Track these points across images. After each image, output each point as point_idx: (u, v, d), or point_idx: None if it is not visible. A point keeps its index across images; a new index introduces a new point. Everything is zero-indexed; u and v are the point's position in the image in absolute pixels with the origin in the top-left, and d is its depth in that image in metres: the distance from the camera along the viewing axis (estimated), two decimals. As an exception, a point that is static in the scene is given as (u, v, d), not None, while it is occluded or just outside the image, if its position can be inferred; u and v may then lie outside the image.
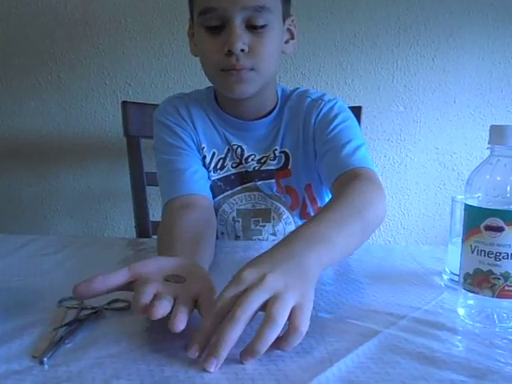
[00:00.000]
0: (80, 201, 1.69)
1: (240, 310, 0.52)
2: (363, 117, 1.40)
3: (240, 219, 1.09)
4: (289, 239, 0.64)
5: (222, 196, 1.08)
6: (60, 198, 1.69)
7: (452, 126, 1.65)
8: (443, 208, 1.69)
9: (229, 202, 1.08)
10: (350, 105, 1.66)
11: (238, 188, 1.08)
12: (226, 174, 1.07)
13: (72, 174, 1.68)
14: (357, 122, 1.04)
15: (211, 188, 1.05)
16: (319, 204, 1.10)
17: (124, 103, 1.32)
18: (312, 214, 1.09)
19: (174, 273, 0.63)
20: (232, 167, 1.07)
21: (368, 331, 0.61)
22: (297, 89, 1.08)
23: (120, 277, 0.61)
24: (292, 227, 1.08)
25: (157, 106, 1.39)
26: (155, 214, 1.51)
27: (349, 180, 0.86)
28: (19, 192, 1.69)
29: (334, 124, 0.99)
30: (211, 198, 1.02)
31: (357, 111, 1.34)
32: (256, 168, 1.06)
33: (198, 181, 1.00)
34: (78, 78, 1.62)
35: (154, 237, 1.35)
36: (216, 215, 1.06)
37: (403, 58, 1.62)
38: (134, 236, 1.35)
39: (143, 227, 1.33)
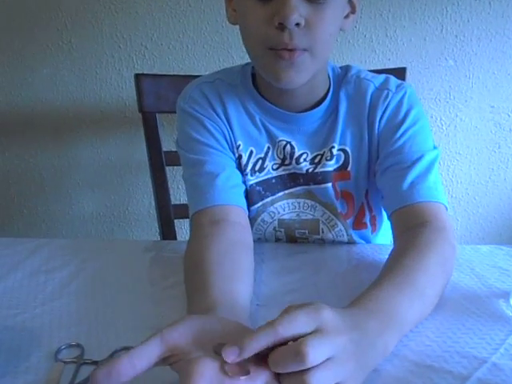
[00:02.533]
0: (101, 174, 1.59)
1: None
2: (407, 74, 1.23)
3: (282, 229, 0.93)
4: (361, 314, 0.55)
5: (260, 204, 0.91)
6: (80, 172, 1.60)
7: (510, 82, 1.45)
8: (497, 174, 1.52)
9: (269, 211, 0.92)
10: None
11: (281, 194, 0.91)
12: (266, 178, 0.90)
13: (90, 146, 1.57)
14: (426, 117, 0.87)
15: (248, 194, 0.90)
16: (374, 212, 0.94)
17: (137, 76, 1.19)
18: (368, 224, 0.95)
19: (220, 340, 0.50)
20: (273, 169, 0.89)
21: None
22: (348, 67, 0.90)
23: (151, 352, 0.48)
24: (344, 239, 0.93)
25: (174, 77, 1.26)
26: (177, 196, 1.40)
27: (414, 227, 0.74)
28: (38, 167, 1.60)
29: (402, 129, 0.83)
30: (246, 210, 0.86)
31: (400, 74, 1.17)
32: (310, 170, 0.89)
33: (231, 189, 0.84)
34: (91, 42, 1.48)
35: (177, 221, 1.24)
36: (252, 226, 0.92)
37: (454, 3, 1.41)
38: (153, 218, 1.25)
39: (164, 211, 1.23)
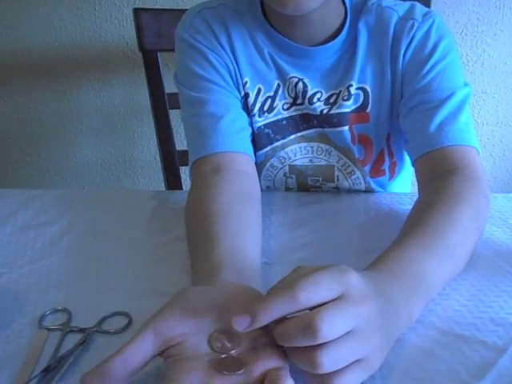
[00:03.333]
0: (104, 119, 1.51)
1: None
2: (431, 5, 1.11)
3: (293, 176, 0.85)
4: (385, 278, 0.48)
5: (269, 148, 0.83)
6: (82, 117, 1.52)
7: (544, 12, 1.33)
8: (527, 114, 1.42)
9: (279, 156, 0.83)
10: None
11: (292, 137, 0.82)
12: (275, 119, 0.80)
13: (92, 89, 1.48)
14: (457, 49, 0.76)
15: (255, 137, 0.81)
16: (395, 158, 0.85)
17: (136, 11, 1.08)
18: (387, 171, 0.86)
19: (222, 321, 0.44)
20: (283, 109, 0.80)
21: None
22: None
23: (145, 350, 0.42)
24: (361, 188, 0.85)
25: (177, 11, 1.15)
26: (183, 141, 1.31)
27: (442, 175, 0.66)
28: (38, 112, 1.52)
29: (430, 64, 0.73)
30: (253, 157, 0.78)
31: (424, 5, 1.06)
32: (324, 111, 0.79)
33: (237, 133, 0.75)
34: (86, -25, 1.36)
35: (182, 168, 1.17)
36: (260, 172, 0.84)
37: None
38: (160, 165, 1.17)
39: (169, 158, 1.15)
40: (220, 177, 0.69)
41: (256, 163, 0.81)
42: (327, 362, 0.39)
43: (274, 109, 0.80)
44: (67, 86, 1.48)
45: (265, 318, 0.40)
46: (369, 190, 0.85)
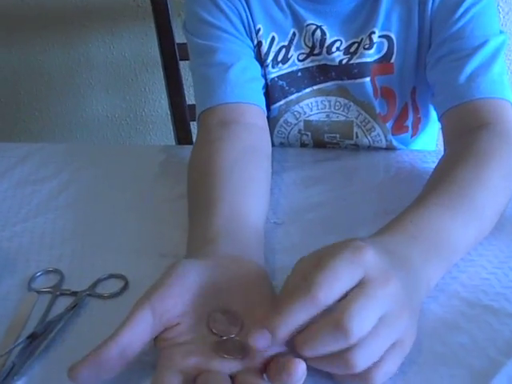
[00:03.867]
0: (114, 72, 1.45)
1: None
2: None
3: (309, 133, 0.79)
4: (401, 241, 0.44)
5: (283, 102, 0.76)
6: (93, 71, 1.46)
7: None
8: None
9: (294, 111, 0.77)
10: None
11: (308, 90, 0.76)
12: (290, 70, 0.74)
13: (102, 41, 1.42)
14: None
15: (268, 90, 0.75)
16: (420, 113, 0.78)
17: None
18: (410, 127, 0.79)
19: (221, 301, 0.40)
20: (299, 60, 0.74)
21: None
22: None
23: (141, 333, 0.37)
24: (382, 145, 0.78)
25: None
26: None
27: (471, 130, 0.60)
28: (47, 65, 1.46)
29: (462, 8, 0.65)
30: (265, 109, 0.71)
31: None
32: (344, 61, 0.73)
33: (247, 83, 0.69)
34: None
35: (193, 123, 1.11)
36: (273, 128, 0.78)
37: None
38: (170, 121, 1.12)
39: (179, 112, 1.10)
40: (227, 130, 0.64)
41: (268, 119, 0.75)
42: (362, 360, 0.35)
43: (288, 59, 0.74)
44: (76, 38, 1.42)
45: (285, 331, 0.36)
46: (390, 148, 0.79)
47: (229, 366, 0.36)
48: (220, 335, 0.38)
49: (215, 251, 0.45)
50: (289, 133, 0.80)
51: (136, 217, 0.61)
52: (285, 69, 0.75)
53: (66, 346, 0.43)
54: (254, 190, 0.56)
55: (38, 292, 0.49)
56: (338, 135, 0.79)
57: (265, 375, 0.36)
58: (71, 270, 0.52)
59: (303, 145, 0.81)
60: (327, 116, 0.77)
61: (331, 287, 0.35)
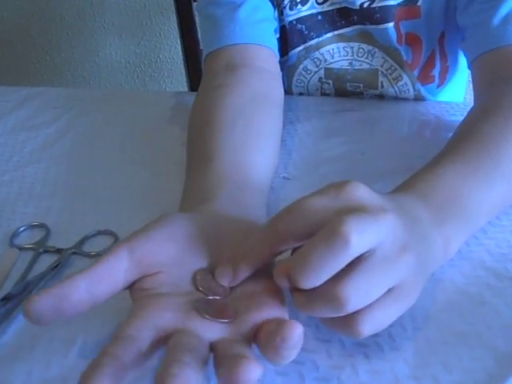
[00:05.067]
0: (128, 16, 1.39)
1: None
2: None
3: (330, 81, 0.72)
4: (410, 200, 0.38)
5: (302, 47, 0.70)
6: (105, 13, 1.40)
7: None
8: None
9: (313, 58, 0.71)
10: None
11: (329, 36, 0.69)
12: (309, 13, 0.67)
13: (115, -19, 1.35)
14: None
15: (286, 34, 0.69)
16: (449, 62, 0.71)
17: None
18: (437, 76, 0.72)
19: (212, 258, 0.35)
20: (318, 3, 0.67)
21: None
22: None
23: (115, 272, 0.32)
24: (409, 95, 0.71)
25: None
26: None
27: (504, 80, 0.53)
28: (58, 9, 1.41)
29: None
30: (277, 52, 0.65)
31: None
32: (365, 4, 0.65)
33: (258, 23, 0.63)
34: None
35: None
36: (291, 76, 0.72)
37: None
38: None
39: (192, 59, 1.05)
40: (234, 75, 0.58)
41: (287, 66, 0.70)
42: (368, 327, 0.31)
43: (307, 1, 0.67)
44: (88, -22, 1.36)
45: (247, 266, 0.33)
46: (417, 99, 0.72)
47: (210, 329, 0.31)
48: (205, 294, 0.33)
49: (210, 210, 0.40)
50: (308, 81, 0.74)
51: (135, 168, 0.57)
52: (304, 11, 0.68)
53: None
54: (260, 142, 0.51)
55: (20, 248, 0.45)
56: (361, 84, 0.72)
57: (255, 346, 0.31)
58: (58, 225, 0.48)
59: (324, 94, 0.75)
60: (350, 64, 0.71)
61: (295, 219, 0.32)
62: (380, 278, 0.31)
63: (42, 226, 0.47)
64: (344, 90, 0.73)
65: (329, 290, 0.30)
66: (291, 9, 0.67)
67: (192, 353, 0.28)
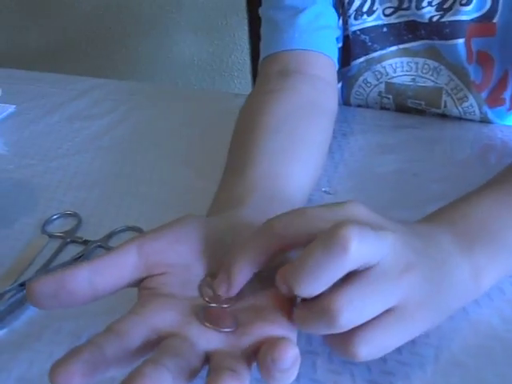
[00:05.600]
0: (204, 14, 1.40)
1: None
2: None
3: (390, 96, 0.69)
4: (437, 228, 0.35)
5: (364, 59, 0.67)
6: (182, 10, 1.42)
7: None
8: None
9: (375, 70, 0.68)
10: None
11: (393, 49, 0.66)
12: (374, 24, 0.65)
13: (194, -20, 1.36)
14: None
15: (349, 44, 0.66)
16: None
17: None
18: (508, 99, 0.66)
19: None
20: (385, 14, 0.64)
21: None
22: None
23: (121, 267, 0.31)
24: (475, 118, 0.67)
25: None
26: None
27: None
28: (137, 4, 1.43)
29: None
30: (335, 61, 0.62)
31: None
32: (435, 18, 0.62)
33: (319, 30, 0.60)
34: None
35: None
36: (351, 88, 0.70)
37: None
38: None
39: (256, 62, 1.02)
40: (286, 81, 0.56)
41: (347, 76, 0.68)
42: (365, 348, 0.28)
43: (373, 12, 0.64)
44: (169, -25, 1.38)
45: (239, 271, 0.31)
46: (484, 122, 0.68)
47: (208, 337, 0.29)
48: (209, 302, 0.31)
49: (234, 217, 0.39)
50: (368, 94, 0.71)
51: (178, 167, 0.56)
52: (369, 22, 0.65)
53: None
54: (302, 153, 0.48)
55: (50, 235, 0.45)
56: (423, 102, 0.68)
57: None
58: (91, 217, 0.48)
59: (383, 109, 0.72)
60: (413, 80, 0.67)
61: (292, 221, 0.31)
62: (377, 295, 0.28)
63: (74, 215, 0.48)
64: (404, 106, 0.69)
65: (322, 302, 0.28)
66: (356, 18, 0.65)
67: (178, 358, 0.26)
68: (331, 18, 0.63)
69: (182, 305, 0.31)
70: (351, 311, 0.27)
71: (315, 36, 0.60)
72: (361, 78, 0.69)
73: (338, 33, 0.65)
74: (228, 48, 1.43)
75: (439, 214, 0.37)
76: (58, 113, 0.68)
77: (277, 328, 0.30)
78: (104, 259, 0.31)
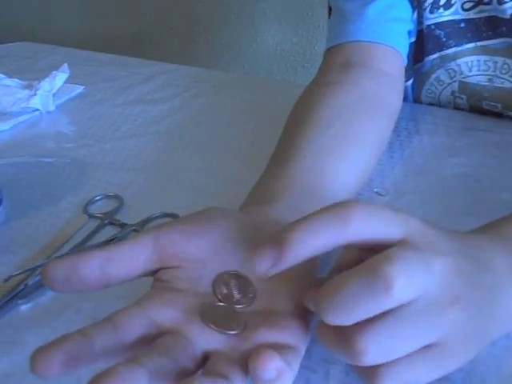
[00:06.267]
0: (291, 4, 1.38)
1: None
2: None
3: (464, 96, 0.65)
4: (487, 243, 0.31)
5: (437, 55, 0.63)
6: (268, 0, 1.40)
7: None
8: None
9: (448, 68, 0.64)
10: None
11: (470, 46, 0.61)
12: (451, 18, 0.61)
13: (282, -32, 1.35)
14: None
15: (422, 39, 0.63)
16: None
17: None
18: None
19: (245, 262, 0.32)
20: (463, 9, 0.60)
21: None
22: None
23: (135, 257, 0.31)
24: None
25: None
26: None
27: None
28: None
29: None
30: (404, 55, 0.59)
31: None
32: None
33: (388, 22, 0.57)
34: None
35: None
36: (422, 85, 0.66)
37: None
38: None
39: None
40: (346, 74, 0.54)
41: (419, 73, 0.64)
42: (390, 382, 0.26)
43: (451, 6, 0.60)
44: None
45: (295, 254, 0.27)
46: None
47: (207, 338, 0.28)
48: (221, 301, 0.30)
49: (266, 213, 0.37)
50: (440, 93, 0.66)
51: (230, 159, 0.55)
52: (446, 16, 0.61)
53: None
54: (351, 150, 0.46)
55: (90, 216, 0.46)
56: (499, 105, 0.63)
57: None
58: (134, 200, 0.48)
59: (457, 109, 0.67)
60: (489, 80, 0.62)
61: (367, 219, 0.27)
62: (412, 334, 0.25)
63: (117, 197, 0.48)
64: (479, 108, 0.64)
65: (348, 335, 0.25)
66: (431, 12, 0.61)
67: (164, 358, 0.25)
68: (404, 11, 0.60)
69: (189, 301, 0.29)
70: (378, 351, 0.25)
71: (383, 28, 0.57)
72: (433, 76, 0.65)
73: (411, 26, 0.61)
74: (312, 39, 1.40)
75: (495, 226, 0.34)
76: (123, 96, 0.69)
77: (285, 335, 0.28)
78: (118, 248, 0.31)
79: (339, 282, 0.25)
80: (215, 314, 0.29)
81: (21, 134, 0.59)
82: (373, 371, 0.26)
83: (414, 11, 0.61)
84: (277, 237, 0.27)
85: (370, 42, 0.56)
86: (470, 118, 0.64)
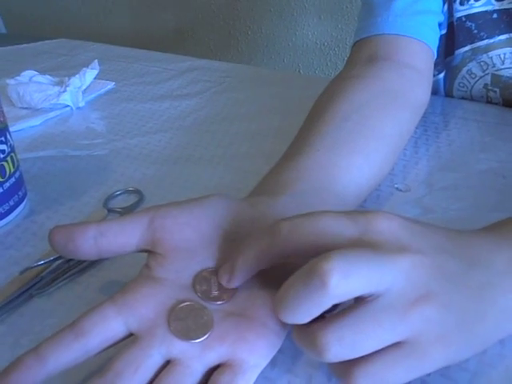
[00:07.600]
0: (330, -2, 1.36)
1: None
2: None
3: (497, 90, 0.63)
4: (486, 243, 0.30)
5: (469, 48, 0.62)
6: (309, -7, 1.39)
7: None
8: None
9: (480, 61, 0.62)
10: None
11: (503, 38, 0.60)
12: (483, 10, 0.59)
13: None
14: None
15: (453, 31, 0.61)
16: None
17: None
18: None
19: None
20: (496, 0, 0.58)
21: None
22: None
23: (127, 234, 0.32)
24: None
25: None
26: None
27: None
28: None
29: None
30: (433, 48, 0.57)
31: None
32: None
33: (416, 15, 0.56)
34: None
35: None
36: (453, 79, 0.64)
37: None
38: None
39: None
40: (372, 68, 0.53)
41: (450, 66, 0.63)
42: (363, 382, 0.26)
43: None
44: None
45: (242, 269, 0.30)
46: None
47: (169, 346, 0.28)
48: (200, 297, 0.30)
49: (269, 205, 0.37)
50: (472, 86, 0.64)
51: (252, 155, 0.55)
52: (477, 7, 0.59)
53: (102, 274, 0.40)
54: (367, 145, 0.45)
55: (109, 210, 0.47)
56: None
57: None
58: (153, 195, 0.49)
59: (490, 104, 0.65)
60: None
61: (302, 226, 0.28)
62: (375, 330, 0.25)
63: (136, 192, 0.49)
64: (510, 98, 0.62)
65: (311, 332, 0.25)
66: (462, 3, 0.59)
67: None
68: (433, 2, 0.58)
69: (164, 297, 0.30)
70: (340, 347, 0.25)
71: (411, 21, 0.56)
72: (465, 69, 0.63)
73: (441, 18, 0.59)
74: (352, 33, 1.38)
75: (499, 226, 0.33)
76: (153, 91, 0.70)
77: (248, 352, 0.28)
78: (113, 223, 0.32)
79: (287, 283, 0.26)
80: (184, 317, 0.29)
81: (51, 130, 0.61)
82: (347, 370, 0.26)
83: (444, 3, 0.59)
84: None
85: (396, 34, 0.55)
86: (503, 112, 0.62)
